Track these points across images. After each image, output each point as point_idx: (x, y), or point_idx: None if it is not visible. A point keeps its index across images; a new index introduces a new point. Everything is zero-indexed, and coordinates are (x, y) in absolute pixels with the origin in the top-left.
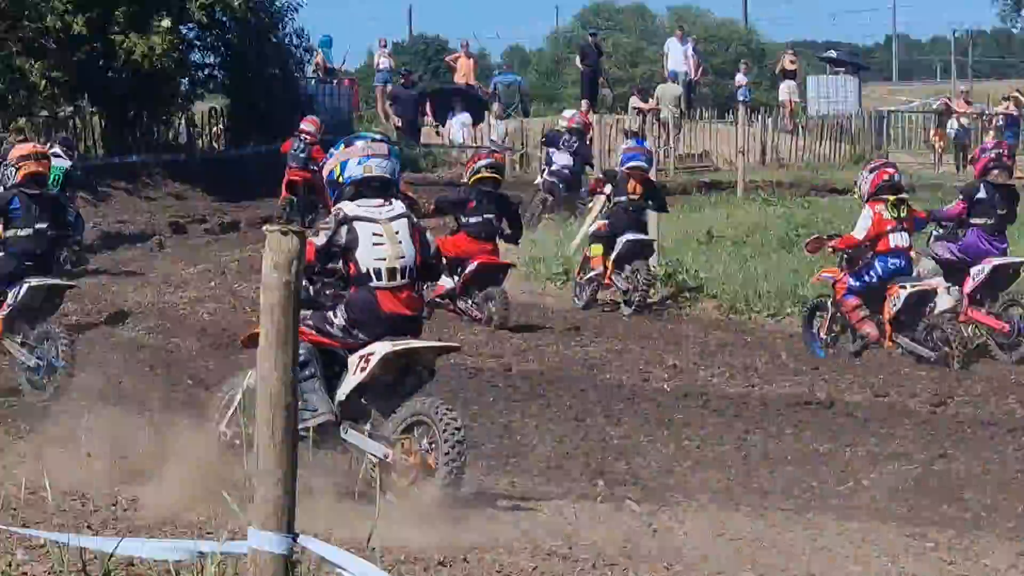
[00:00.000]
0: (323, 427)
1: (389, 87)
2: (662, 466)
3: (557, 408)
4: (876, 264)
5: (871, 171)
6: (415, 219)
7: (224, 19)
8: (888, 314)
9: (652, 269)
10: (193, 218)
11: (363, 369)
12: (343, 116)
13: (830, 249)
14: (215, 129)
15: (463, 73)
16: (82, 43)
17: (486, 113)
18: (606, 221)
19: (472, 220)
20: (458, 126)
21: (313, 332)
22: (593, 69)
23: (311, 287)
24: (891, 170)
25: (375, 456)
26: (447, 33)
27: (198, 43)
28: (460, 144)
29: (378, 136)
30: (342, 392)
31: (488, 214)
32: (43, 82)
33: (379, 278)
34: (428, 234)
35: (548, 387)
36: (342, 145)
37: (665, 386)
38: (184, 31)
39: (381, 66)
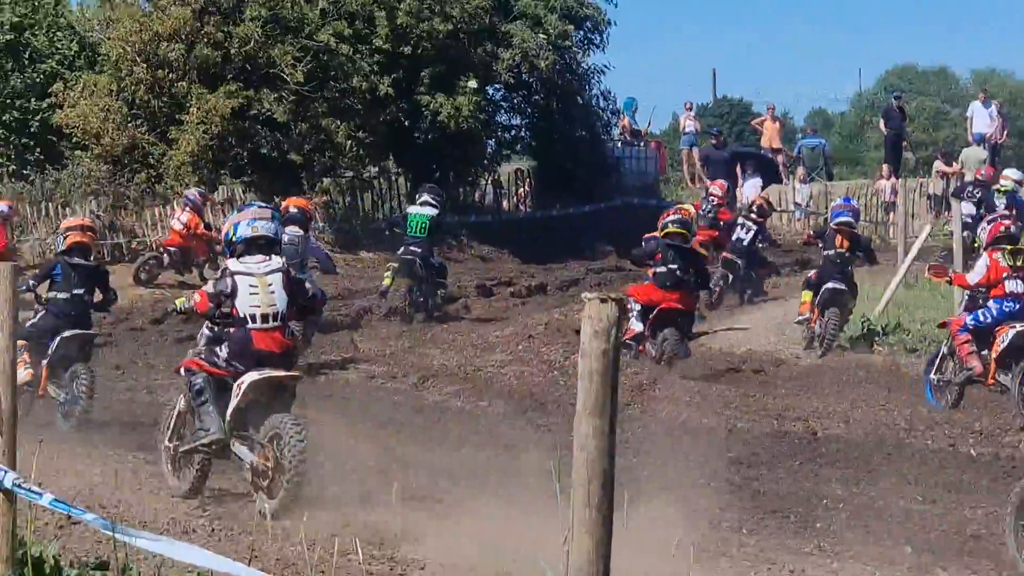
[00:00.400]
0: (217, 443)
1: (695, 150)
2: (971, 532)
3: (864, 472)
4: (991, 306)
5: (988, 223)
6: (292, 273)
7: (531, 80)
8: (995, 351)
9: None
10: (499, 280)
11: (237, 395)
12: (649, 179)
13: (946, 281)
14: (520, 191)
15: (768, 136)
16: (388, 104)
17: (790, 177)
18: (816, 271)
19: (659, 270)
20: (749, 188)
21: (206, 364)
22: (896, 132)
23: (215, 328)
24: (1007, 222)
25: (247, 463)
26: (750, 96)
27: (504, 104)
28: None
29: (263, 203)
30: (228, 413)
31: (672, 264)
32: (349, 143)
33: (254, 321)
34: (308, 283)
35: (855, 450)
36: (235, 211)
37: (972, 451)
38: (490, 92)
39: (687, 129)
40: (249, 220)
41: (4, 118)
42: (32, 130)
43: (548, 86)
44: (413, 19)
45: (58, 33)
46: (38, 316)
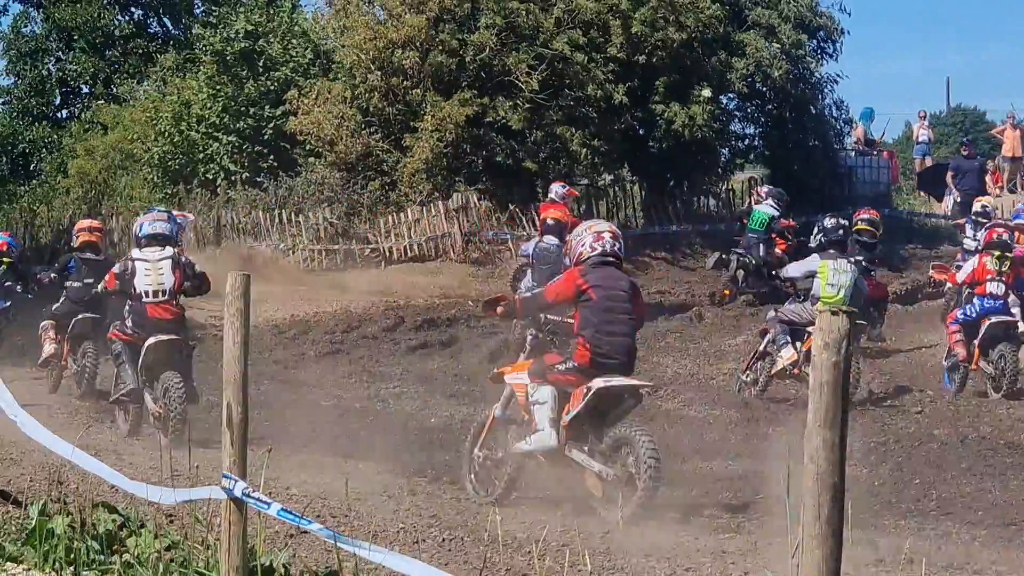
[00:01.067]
0: (131, 393)
1: (927, 159)
2: None
3: None
4: (975, 302)
5: (985, 229)
6: (181, 259)
7: (764, 89)
8: (978, 341)
9: None
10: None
11: (141, 355)
12: (881, 188)
13: (943, 278)
14: (751, 198)
15: (1010, 145)
16: (622, 112)
17: None
18: None
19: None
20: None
21: (120, 333)
22: None
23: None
24: (1000, 230)
25: (150, 411)
26: (984, 104)
27: (738, 113)
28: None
29: (162, 208)
30: (139, 370)
31: (859, 256)
32: (584, 151)
33: (147, 296)
34: (196, 267)
35: None
36: (142, 213)
37: None
38: (724, 101)
39: (920, 138)
40: (151, 222)
41: (238, 125)
42: (266, 137)
43: (781, 95)
44: (648, 28)
45: (292, 41)
46: (60, 301)
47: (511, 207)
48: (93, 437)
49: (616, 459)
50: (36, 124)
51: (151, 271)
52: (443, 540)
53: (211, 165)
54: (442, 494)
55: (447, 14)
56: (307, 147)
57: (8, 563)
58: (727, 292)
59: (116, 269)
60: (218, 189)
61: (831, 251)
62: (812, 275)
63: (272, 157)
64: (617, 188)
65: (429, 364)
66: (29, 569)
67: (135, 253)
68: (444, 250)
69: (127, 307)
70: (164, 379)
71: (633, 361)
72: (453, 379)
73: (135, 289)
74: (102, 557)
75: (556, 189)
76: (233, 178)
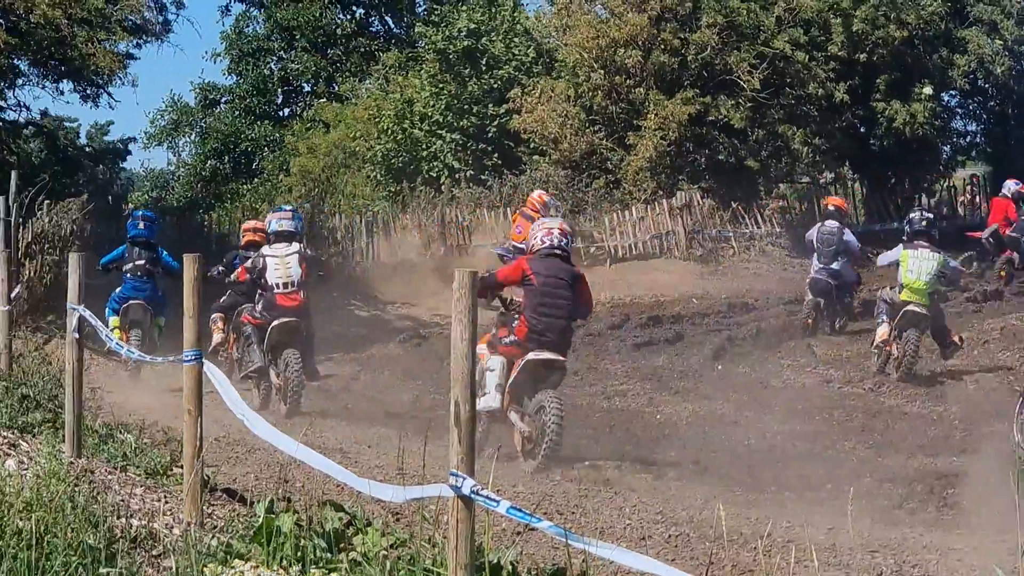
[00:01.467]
0: (259, 371)
1: None
2: None
3: None
4: None
5: None
6: (306, 252)
7: (986, 86)
8: None
9: None
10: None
11: (267, 335)
12: None
13: None
14: (962, 195)
15: None
16: (843, 110)
17: None
18: None
19: None
20: None
21: (251, 317)
22: None
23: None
24: None
25: (273, 384)
26: None
27: (959, 110)
28: None
29: (288, 207)
30: (264, 348)
31: None
32: (805, 149)
33: (278, 288)
34: (317, 262)
35: None
36: (271, 212)
37: None
38: (945, 98)
39: None
40: (277, 220)
41: (462, 123)
42: (489, 135)
43: (1004, 92)
44: (868, 26)
45: (515, 39)
46: (226, 295)
47: (733, 205)
48: (318, 436)
49: (535, 420)
50: (258, 123)
51: (279, 265)
52: (669, 536)
53: (435, 163)
54: (667, 490)
55: (668, 13)
56: (531, 145)
57: (236, 560)
58: (1003, 273)
59: (248, 264)
60: (442, 187)
61: (916, 242)
62: (896, 263)
63: (496, 155)
64: (838, 186)
65: (654, 361)
66: (257, 566)
67: (265, 250)
68: (668, 248)
69: (258, 295)
70: (285, 355)
71: (566, 340)
72: (678, 376)
73: (267, 282)
74: (329, 555)
75: (1010, 185)
76: (457, 176)
